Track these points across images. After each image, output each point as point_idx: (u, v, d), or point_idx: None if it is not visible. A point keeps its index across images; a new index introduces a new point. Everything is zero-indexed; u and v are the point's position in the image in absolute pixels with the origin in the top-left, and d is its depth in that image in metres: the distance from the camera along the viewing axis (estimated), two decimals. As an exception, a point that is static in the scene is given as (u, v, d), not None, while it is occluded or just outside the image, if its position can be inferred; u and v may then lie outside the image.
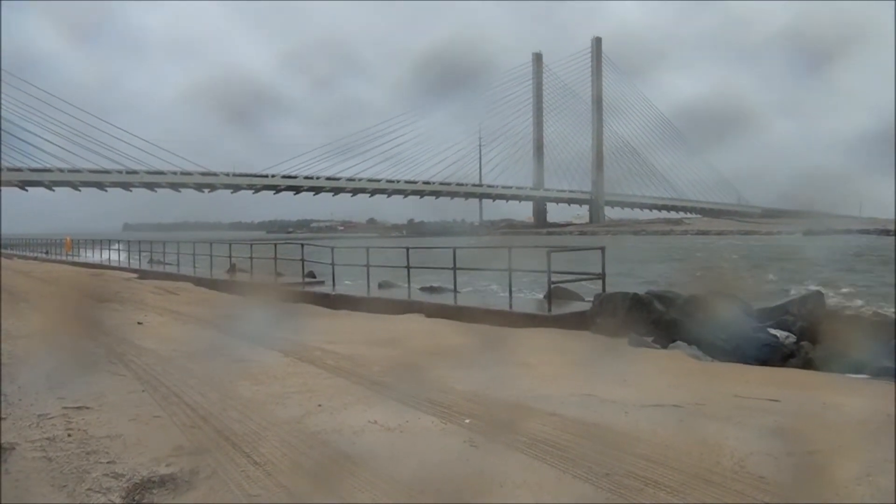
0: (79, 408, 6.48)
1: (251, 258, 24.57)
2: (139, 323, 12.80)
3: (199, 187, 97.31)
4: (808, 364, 9.72)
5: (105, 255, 38.23)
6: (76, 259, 41.36)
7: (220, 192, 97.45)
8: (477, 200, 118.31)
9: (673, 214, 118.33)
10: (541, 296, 15.19)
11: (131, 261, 33.65)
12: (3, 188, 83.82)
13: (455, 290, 16.85)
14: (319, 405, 6.68)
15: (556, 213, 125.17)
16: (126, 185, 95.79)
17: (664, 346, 10.89)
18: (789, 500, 4.27)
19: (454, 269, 16.68)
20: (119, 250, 36.72)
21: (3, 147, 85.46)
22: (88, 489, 4.51)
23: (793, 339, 10.77)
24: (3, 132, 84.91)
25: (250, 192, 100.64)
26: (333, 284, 19.78)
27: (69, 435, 5.65)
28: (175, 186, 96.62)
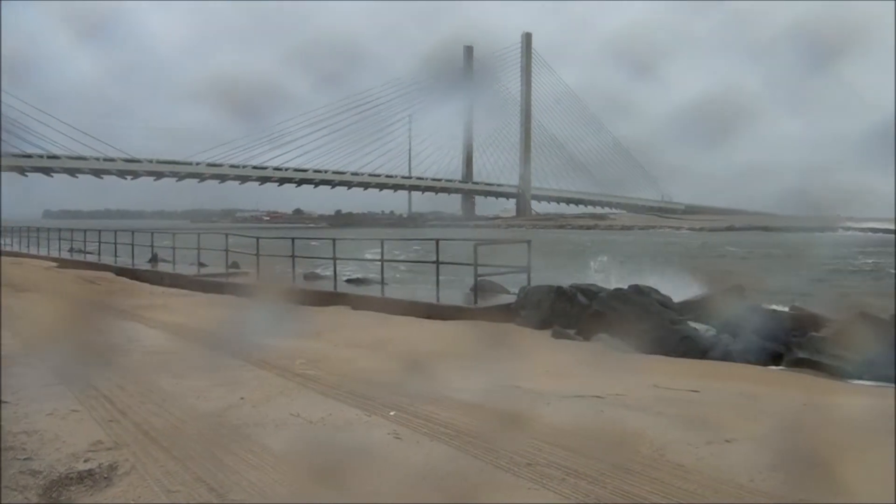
0: (-9, 402, 6.24)
1: (174, 248, 24.07)
2: (58, 314, 12.40)
3: (121, 174, 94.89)
4: (726, 356, 9.97)
5: (24, 243, 36.90)
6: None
7: (143, 179, 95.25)
8: (406, 192, 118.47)
9: (598, 209, 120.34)
10: (468, 288, 15.25)
11: (51, 249, 32.53)
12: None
13: (382, 283, 16.81)
14: (242, 398, 6.57)
15: (484, 205, 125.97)
16: (47, 171, 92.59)
17: (587, 339, 11.03)
18: (707, 487, 4.36)
19: (381, 261, 16.63)
20: (38, 238, 35.42)
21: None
22: (4, 487, 4.35)
23: (712, 331, 11.05)
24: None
25: (174, 179, 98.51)
26: (258, 275, 19.50)
27: (-17, 430, 5.44)
28: (97, 173, 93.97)
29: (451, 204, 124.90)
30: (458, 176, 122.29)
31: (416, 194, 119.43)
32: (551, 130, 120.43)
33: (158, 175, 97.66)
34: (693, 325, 11.23)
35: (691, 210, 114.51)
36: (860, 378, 9.16)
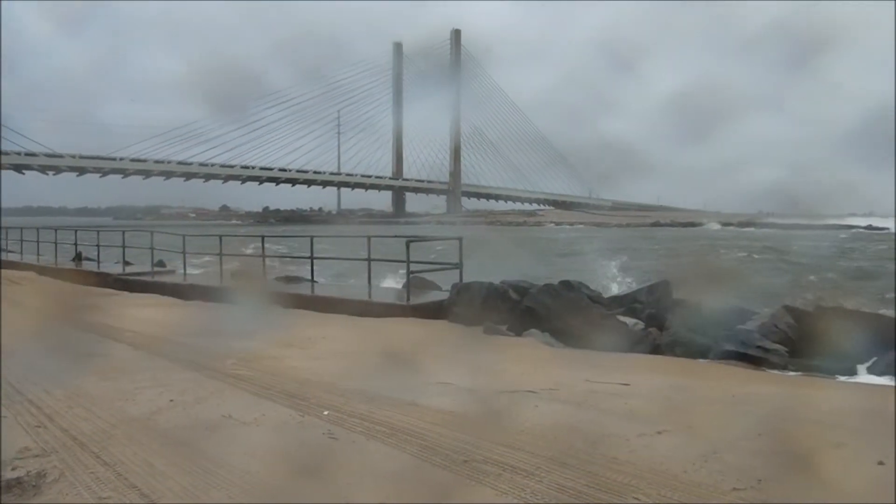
0: None
1: (98, 246, 23.46)
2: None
3: (43, 169, 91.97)
4: (655, 350, 10.17)
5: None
6: None
7: (64, 174, 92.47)
8: (335, 189, 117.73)
9: (527, 206, 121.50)
10: (400, 285, 15.23)
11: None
12: None
13: (312, 280, 16.67)
14: (171, 400, 6.44)
15: (414, 202, 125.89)
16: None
17: (518, 334, 11.12)
18: (641, 479, 4.44)
19: (311, 258, 16.49)
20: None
21: None
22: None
23: (641, 325, 11.26)
24: None
25: (97, 175, 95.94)
26: (185, 274, 19.14)
27: None
28: (18, 168, 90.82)
29: (381, 200, 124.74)
30: (389, 173, 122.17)
31: (345, 191, 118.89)
32: (483, 129, 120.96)
33: (81, 171, 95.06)
34: (622, 319, 11.43)
35: (617, 206, 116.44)
36: (785, 368, 9.46)
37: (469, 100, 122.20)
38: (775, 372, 9.27)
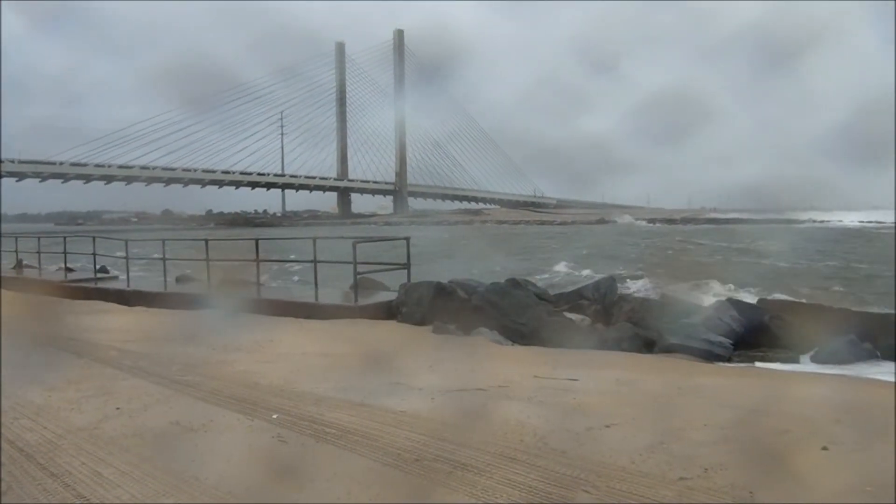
0: None
1: (39, 252, 22.93)
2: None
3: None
4: (602, 345, 10.30)
5: None
6: None
7: (3, 179, 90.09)
8: (279, 190, 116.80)
9: (473, 205, 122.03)
10: (347, 287, 15.17)
11: None
12: None
13: (258, 283, 16.51)
14: (118, 408, 6.34)
15: (360, 203, 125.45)
16: None
17: (467, 333, 11.17)
18: (590, 472, 4.51)
19: (257, 261, 16.34)
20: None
21: None
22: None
23: (588, 321, 11.40)
24: None
25: (36, 180, 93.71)
26: (128, 280, 18.81)
27: None
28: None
29: (326, 202, 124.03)
30: (334, 174, 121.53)
31: (289, 193, 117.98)
32: (426, 128, 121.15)
33: (21, 176, 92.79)
34: (569, 315, 11.56)
35: (562, 204, 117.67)
36: (729, 361, 9.68)
37: (417, 101, 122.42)
38: (720, 364, 9.47)
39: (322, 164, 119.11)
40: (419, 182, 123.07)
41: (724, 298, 11.96)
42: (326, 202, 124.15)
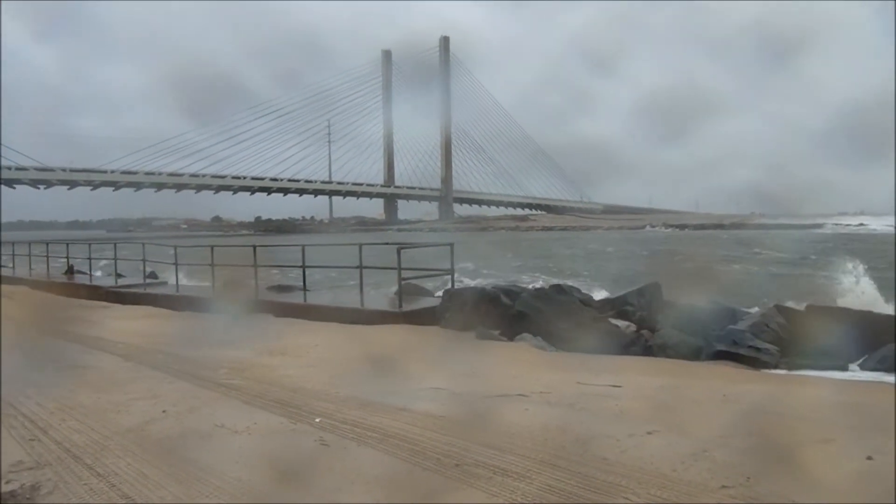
0: None
1: (90, 259, 23.40)
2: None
3: (33, 183, 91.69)
4: (647, 351, 10.20)
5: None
6: None
7: (56, 188, 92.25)
8: (327, 197, 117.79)
9: (519, 211, 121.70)
10: (392, 292, 15.24)
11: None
12: None
13: (304, 289, 16.67)
14: (164, 411, 6.45)
15: (406, 209, 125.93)
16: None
17: (510, 339, 11.14)
18: (631, 479, 4.47)
19: (303, 267, 16.49)
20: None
21: None
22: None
23: (633, 328, 11.30)
24: None
25: (88, 188, 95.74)
26: (177, 285, 19.12)
27: None
28: (9, 183, 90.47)
29: (373, 208, 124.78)
30: (380, 180, 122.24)
31: (337, 199, 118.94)
32: (472, 134, 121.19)
33: (72, 184, 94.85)
34: (613, 321, 11.47)
35: (609, 210, 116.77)
36: (776, 368, 9.51)
37: (459, 106, 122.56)
38: (767, 371, 9.32)
39: (369, 170, 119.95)
40: (464, 188, 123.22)
41: (771, 305, 11.74)
42: (373, 208, 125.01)
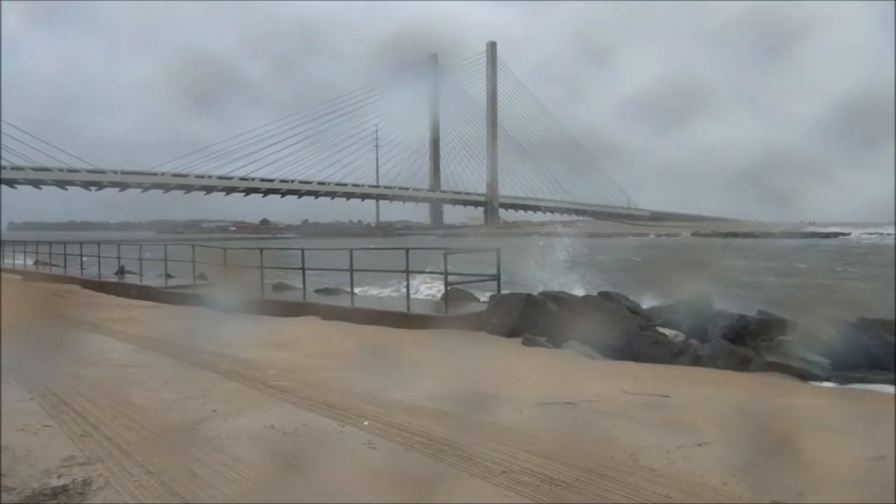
0: (-39, 418, 6.14)
1: (140, 259, 23.83)
2: (25, 328, 12.20)
3: (86, 185, 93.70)
4: (696, 361, 10.06)
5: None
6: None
7: (107, 190, 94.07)
8: (374, 201, 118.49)
9: (565, 217, 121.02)
10: (438, 297, 15.28)
11: (16, 261, 32.03)
12: None
13: (352, 292, 16.78)
14: (214, 410, 6.53)
15: (452, 214, 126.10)
16: (11, 183, 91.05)
17: (557, 346, 11.08)
18: (680, 491, 4.42)
19: (350, 270, 16.60)
20: (3, 250, 34.85)
21: None
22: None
23: (681, 337, 11.16)
24: None
25: (139, 190, 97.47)
26: (227, 287, 19.35)
27: (-47, 447, 5.34)
28: (61, 184, 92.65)
29: (418, 213, 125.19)
30: (426, 185, 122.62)
31: (383, 203, 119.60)
32: (518, 138, 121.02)
33: (123, 186, 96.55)
34: (662, 330, 11.34)
35: (656, 217, 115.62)
36: (827, 380, 9.32)
37: (504, 110, 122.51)
38: (817, 384, 9.14)
39: (415, 175, 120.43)
40: (510, 193, 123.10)
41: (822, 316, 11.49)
42: (419, 213, 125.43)
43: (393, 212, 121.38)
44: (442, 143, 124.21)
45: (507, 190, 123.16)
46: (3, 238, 38.35)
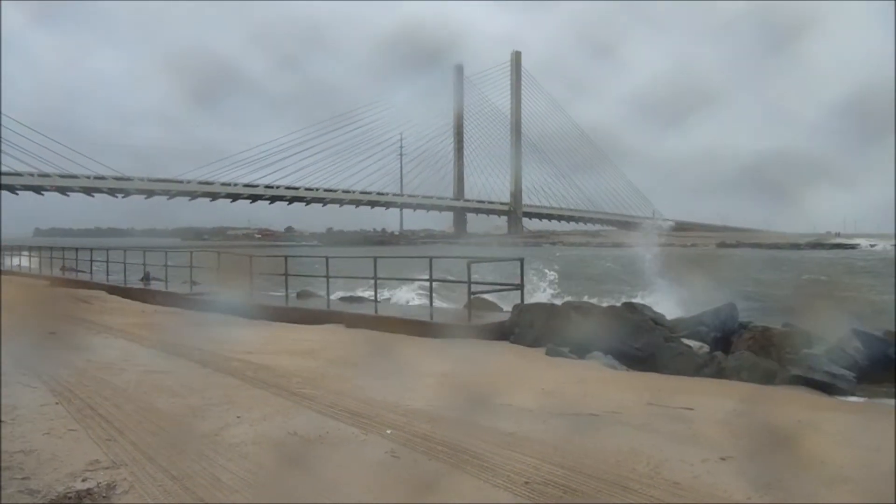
0: (-11, 421, 6.23)
1: (166, 266, 24.02)
2: (51, 333, 12.36)
3: (112, 192, 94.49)
4: (720, 373, 9.99)
5: (14, 261, 36.88)
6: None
7: (133, 197, 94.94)
8: (397, 210, 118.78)
9: (590, 226, 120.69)
10: (460, 306, 15.28)
11: (42, 267, 32.42)
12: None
13: (375, 300, 16.82)
14: (238, 417, 6.58)
15: (475, 223, 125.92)
16: (38, 189, 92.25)
17: (581, 356, 11.05)
18: (702, 505, 4.40)
19: (374, 279, 16.65)
20: (30, 256, 35.29)
21: None
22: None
23: (706, 349, 11.09)
24: None
25: (165, 197, 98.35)
26: (251, 294, 19.50)
27: (-21, 450, 5.42)
28: (88, 191, 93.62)
29: (442, 221, 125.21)
30: (449, 193, 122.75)
31: (406, 212, 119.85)
32: (542, 147, 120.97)
33: (149, 193, 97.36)
34: (686, 342, 11.28)
35: (681, 227, 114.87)
36: (853, 395, 9.22)
37: (528, 120, 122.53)
38: (843, 398, 9.05)
39: (439, 184, 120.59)
40: (534, 202, 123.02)
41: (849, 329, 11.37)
42: (442, 221, 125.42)
43: (416, 220, 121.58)
44: (466, 152, 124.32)
45: (531, 199, 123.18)
46: (29, 244, 38.93)
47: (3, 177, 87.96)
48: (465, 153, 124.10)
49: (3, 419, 6.29)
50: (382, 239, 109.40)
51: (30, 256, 35.30)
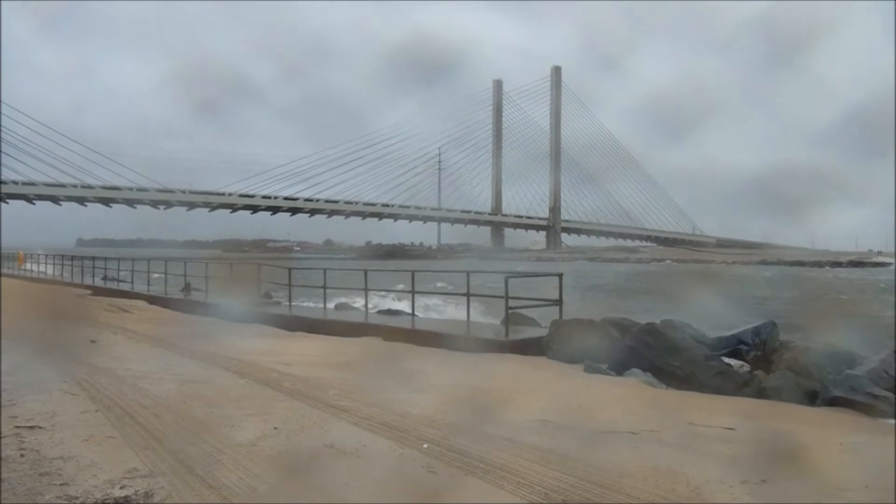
0: (31, 427, 6.32)
1: (206, 277, 24.29)
2: (92, 341, 12.57)
3: (154, 204, 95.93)
4: (761, 393, 9.83)
5: (58, 270, 37.62)
6: (27, 274, 40.65)
7: (175, 208, 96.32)
8: (436, 224, 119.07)
9: (629, 242, 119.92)
10: (498, 320, 15.24)
11: (84, 277, 32.98)
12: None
13: (413, 314, 16.84)
14: (275, 428, 6.61)
15: (513, 238, 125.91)
16: (81, 200, 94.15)
17: (619, 373, 10.94)
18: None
19: (412, 292, 16.68)
20: (72, 266, 35.95)
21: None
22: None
23: (747, 368, 10.92)
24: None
25: (206, 209, 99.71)
26: (290, 306, 19.65)
27: (21, 455, 5.50)
28: (130, 202, 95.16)
29: (479, 236, 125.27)
30: (488, 208, 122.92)
31: (445, 226, 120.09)
32: (581, 163, 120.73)
33: (191, 205, 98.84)
34: (727, 360, 11.12)
35: (722, 244, 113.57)
36: (894, 417, 9.02)
37: (569, 135, 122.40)
38: (885, 420, 8.85)
39: (477, 198, 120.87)
40: (573, 218, 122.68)
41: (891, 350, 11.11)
42: (480, 236, 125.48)
43: (454, 234, 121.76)
44: (505, 167, 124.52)
45: (570, 215, 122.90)
46: (72, 254, 39.69)
47: (47, 188, 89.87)
48: (503, 167, 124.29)
49: (40, 425, 6.40)
50: (419, 253, 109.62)
51: (72, 266, 35.91)
